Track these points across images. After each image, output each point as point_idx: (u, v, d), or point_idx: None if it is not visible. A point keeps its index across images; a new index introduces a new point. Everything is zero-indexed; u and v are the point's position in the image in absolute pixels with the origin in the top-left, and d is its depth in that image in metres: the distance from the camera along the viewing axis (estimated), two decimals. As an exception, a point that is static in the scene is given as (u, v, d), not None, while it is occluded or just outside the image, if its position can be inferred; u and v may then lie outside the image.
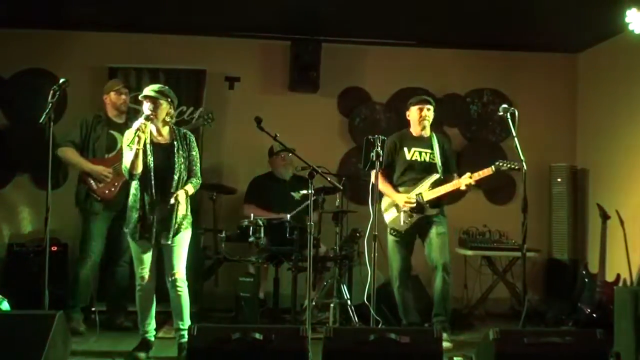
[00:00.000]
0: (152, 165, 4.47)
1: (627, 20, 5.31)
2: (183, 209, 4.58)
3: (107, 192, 5.37)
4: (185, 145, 4.64)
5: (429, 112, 5.39)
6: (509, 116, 4.71)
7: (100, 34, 6.62)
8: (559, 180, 6.93)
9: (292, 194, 5.59)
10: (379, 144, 4.69)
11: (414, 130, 5.45)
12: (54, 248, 5.86)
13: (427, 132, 5.42)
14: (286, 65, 6.84)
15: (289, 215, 5.54)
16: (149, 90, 4.53)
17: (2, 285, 5.68)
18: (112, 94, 5.54)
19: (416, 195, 5.24)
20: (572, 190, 6.91)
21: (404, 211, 5.23)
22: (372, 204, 4.71)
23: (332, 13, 6.20)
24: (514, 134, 4.65)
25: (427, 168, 5.33)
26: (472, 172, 5.16)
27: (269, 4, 6.00)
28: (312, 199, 4.65)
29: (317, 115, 6.92)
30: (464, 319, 6.01)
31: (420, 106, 5.39)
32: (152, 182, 4.47)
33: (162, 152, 4.54)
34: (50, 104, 4.41)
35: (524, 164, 4.65)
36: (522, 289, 4.72)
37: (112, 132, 5.49)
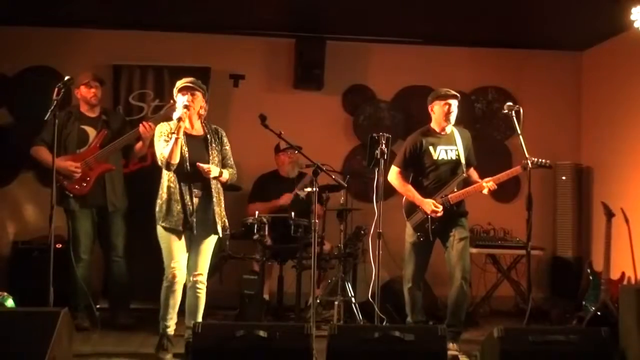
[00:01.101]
0: (187, 156, 4.46)
1: (632, 17, 5.28)
2: (222, 205, 4.63)
3: (77, 187, 5.32)
4: (217, 138, 4.67)
5: (453, 107, 5.12)
6: (513, 114, 4.71)
7: (104, 31, 6.62)
8: (563, 178, 6.92)
9: (297, 192, 5.59)
10: (384, 142, 4.69)
11: (437, 126, 5.18)
12: (59, 245, 5.84)
13: (449, 128, 5.20)
14: (291, 63, 6.84)
15: (293, 213, 5.54)
16: (185, 81, 4.55)
17: (7, 283, 5.70)
18: (82, 87, 5.47)
19: (442, 199, 5.06)
20: (577, 188, 6.90)
21: (431, 217, 5.06)
22: (377, 202, 4.70)
23: (337, 11, 6.19)
24: (519, 131, 4.65)
25: (452, 167, 5.14)
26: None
27: (273, 2, 6.00)
28: (316, 196, 4.65)
29: (322, 113, 6.91)
30: (468, 317, 6.00)
31: (446, 101, 5.11)
32: (189, 173, 4.46)
33: (197, 145, 4.55)
34: (55, 102, 4.41)
35: (529, 162, 4.65)
36: (527, 287, 4.72)
37: (83, 127, 5.45)
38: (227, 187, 6.02)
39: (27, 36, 6.58)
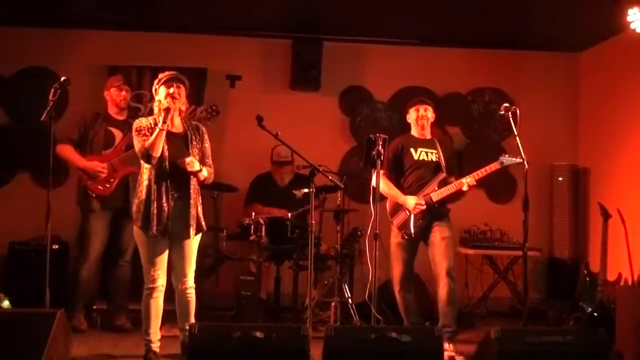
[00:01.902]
0: (166, 154, 4.30)
1: (628, 19, 5.29)
2: (199, 207, 4.45)
3: (101, 188, 5.31)
4: (198, 136, 4.50)
5: (427, 113, 5.32)
6: (510, 115, 4.71)
7: (100, 32, 6.62)
8: (560, 179, 6.93)
9: (294, 192, 5.58)
10: (380, 143, 4.69)
11: (415, 132, 5.38)
12: (55, 246, 5.84)
13: (428, 134, 5.36)
14: (287, 63, 6.83)
15: (290, 214, 5.54)
16: (169, 73, 4.40)
17: (3, 284, 5.68)
18: (113, 90, 5.50)
19: (424, 196, 5.13)
20: (574, 189, 6.91)
21: (414, 215, 5.13)
22: (374, 203, 4.70)
23: (334, 11, 6.19)
24: (516, 132, 4.65)
25: (434, 168, 5.23)
26: (474, 170, 5.13)
27: (270, 3, 6.00)
28: (313, 197, 4.65)
29: (319, 114, 6.91)
30: (465, 318, 6.00)
31: (416, 106, 5.35)
32: (167, 172, 4.31)
33: (177, 142, 4.39)
34: (51, 103, 4.41)
35: (525, 162, 4.66)
36: (524, 287, 4.72)
37: (110, 128, 5.45)
38: (223, 188, 6.06)
39: (24, 36, 6.57)
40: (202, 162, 4.48)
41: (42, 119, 4.36)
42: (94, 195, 5.32)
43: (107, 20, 6.44)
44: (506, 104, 4.79)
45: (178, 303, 4.53)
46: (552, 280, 6.93)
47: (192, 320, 4.53)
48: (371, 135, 4.77)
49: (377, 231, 4.63)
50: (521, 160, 4.72)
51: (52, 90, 4.44)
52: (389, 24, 6.54)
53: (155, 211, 4.29)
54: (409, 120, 5.42)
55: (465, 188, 5.07)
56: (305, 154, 4.86)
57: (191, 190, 4.41)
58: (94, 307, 5.69)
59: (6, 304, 4.63)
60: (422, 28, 6.65)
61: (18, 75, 6.63)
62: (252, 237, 5.48)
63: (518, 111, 4.71)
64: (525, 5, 5.82)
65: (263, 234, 5.45)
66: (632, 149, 6.19)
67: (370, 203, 4.76)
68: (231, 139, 6.72)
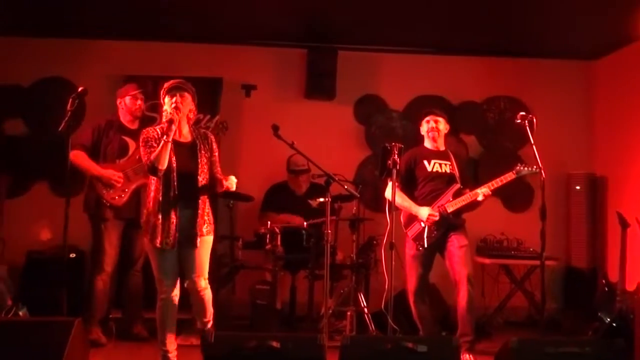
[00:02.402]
0: (174, 165, 4.26)
1: (644, 27, 5.28)
2: (207, 214, 4.41)
3: (116, 198, 5.25)
4: (207, 144, 4.45)
5: (438, 124, 5.27)
6: (526, 123, 4.69)
7: (118, 42, 6.68)
8: (577, 188, 6.88)
9: (309, 201, 5.59)
10: (396, 152, 4.69)
11: (428, 144, 5.33)
12: (72, 255, 5.88)
13: (441, 146, 5.32)
14: (302, 72, 6.85)
15: (305, 223, 5.54)
16: (172, 82, 4.39)
17: (21, 293, 5.72)
18: (128, 98, 5.44)
19: (438, 207, 5.10)
20: (591, 197, 6.86)
21: (428, 226, 5.08)
22: (389, 212, 4.69)
23: (348, 20, 6.21)
24: (532, 141, 4.63)
25: (447, 179, 5.20)
26: (489, 179, 5.10)
27: (285, 12, 6.02)
28: (329, 206, 4.65)
29: (334, 123, 6.92)
30: (482, 328, 5.97)
31: (427, 118, 5.31)
32: (175, 183, 4.27)
33: (185, 152, 4.34)
34: (69, 113, 4.44)
35: (542, 172, 4.63)
36: (541, 297, 4.68)
37: (124, 137, 5.40)
38: (238, 197, 6.07)
39: (42, 47, 6.65)
40: (213, 171, 4.46)
41: (60, 129, 4.40)
42: (108, 204, 5.26)
43: (123, 30, 6.50)
44: (522, 113, 4.77)
45: (194, 304, 4.50)
46: (569, 290, 6.87)
47: (209, 315, 4.49)
48: (387, 145, 4.78)
49: (393, 240, 4.62)
50: (537, 169, 4.70)
51: (70, 100, 4.46)
52: (403, 32, 6.55)
53: (162, 223, 4.27)
54: (422, 132, 5.39)
55: (480, 198, 5.04)
56: (320, 163, 4.86)
57: (199, 201, 4.38)
58: (110, 316, 5.69)
59: (24, 312, 4.66)
60: (437, 36, 6.65)
61: (36, 85, 6.70)
62: (268, 246, 5.49)
63: (535, 119, 4.69)
64: (541, 13, 5.80)
65: (279, 243, 5.45)
66: (649, 157, 6.14)
67: (385, 212, 4.75)
68: (246, 148, 6.74)
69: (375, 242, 5.72)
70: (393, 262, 4.59)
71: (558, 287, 6.88)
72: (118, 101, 5.50)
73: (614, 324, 5.36)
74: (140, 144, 4.36)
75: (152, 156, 4.19)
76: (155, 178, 4.31)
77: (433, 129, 5.28)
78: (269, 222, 5.57)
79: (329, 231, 4.63)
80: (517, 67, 7.11)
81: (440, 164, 5.23)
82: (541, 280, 4.61)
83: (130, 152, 5.39)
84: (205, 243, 4.43)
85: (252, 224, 6.12)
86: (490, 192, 5.05)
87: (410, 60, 7.03)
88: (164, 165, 4.19)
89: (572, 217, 6.92)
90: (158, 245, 4.27)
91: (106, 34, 6.58)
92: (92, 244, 5.39)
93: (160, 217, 4.27)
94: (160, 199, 4.28)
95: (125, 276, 5.53)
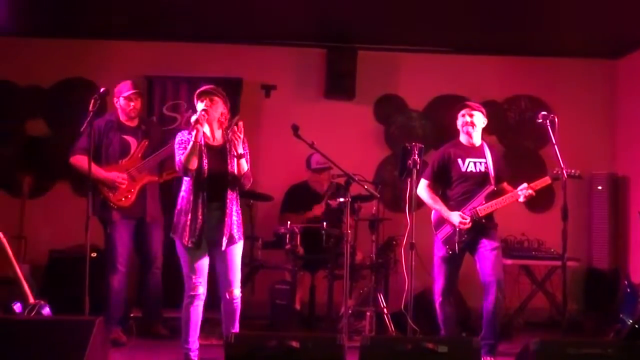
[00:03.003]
0: (205, 167, 4.36)
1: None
2: (234, 217, 4.48)
3: (123, 199, 5.26)
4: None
5: (473, 118, 5.04)
6: (548, 123, 4.65)
7: (138, 43, 6.73)
8: (599, 188, 6.82)
9: (329, 202, 5.59)
10: (416, 152, 4.67)
11: (463, 139, 5.13)
12: (94, 255, 5.91)
13: (477, 141, 5.11)
14: (322, 72, 6.86)
15: (324, 223, 5.54)
16: (205, 87, 4.49)
17: (43, 291, 5.76)
18: (123, 99, 5.38)
19: (471, 211, 4.95)
20: (613, 198, 6.79)
21: (459, 230, 4.95)
22: (409, 212, 4.67)
23: (367, 20, 6.20)
24: (554, 141, 4.59)
25: (481, 180, 5.01)
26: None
27: (304, 12, 6.03)
28: (349, 206, 4.64)
29: (353, 123, 6.91)
30: (502, 329, 5.92)
31: (462, 112, 5.10)
32: (206, 184, 4.35)
33: (216, 155, 4.44)
34: (91, 113, 4.48)
35: (563, 172, 4.59)
36: (563, 298, 4.64)
37: (124, 137, 5.37)
38: (258, 197, 6.09)
39: (63, 48, 6.71)
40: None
41: (81, 129, 4.44)
42: (115, 207, 5.25)
43: (144, 31, 6.54)
44: (544, 112, 4.72)
45: (224, 312, 4.55)
46: (590, 291, 6.81)
47: (237, 329, 4.55)
48: (407, 145, 4.76)
49: (413, 241, 4.60)
50: (579, 175, 4.65)
51: (92, 100, 4.50)
52: (422, 32, 6.54)
53: (190, 222, 4.36)
54: (457, 126, 5.16)
55: (522, 199, 4.93)
56: (340, 162, 4.84)
57: (227, 200, 4.44)
58: (131, 314, 5.72)
59: (47, 311, 4.70)
60: (456, 36, 6.63)
61: (58, 86, 6.77)
62: (287, 246, 5.50)
63: (556, 119, 4.65)
64: (562, 11, 5.76)
65: (298, 242, 5.46)
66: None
67: (405, 212, 4.73)
68: (266, 148, 6.75)
69: (394, 242, 5.70)
70: (413, 263, 4.58)
71: (579, 288, 6.82)
72: (114, 100, 5.44)
73: (637, 326, 5.30)
74: (175, 147, 4.45)
75: (183, 157, 4.31)
76: (187, 178, 4.41)
77: (467, 124, 5.05)
78: (288, 222, 5.58)
79: (349, 231, 4.62)
80: (538, 66, 7.06)
81: (475, 163, 5.03)
82: (562, 281, 4.57)
83: (132, 151, 5.37)
84: (238, 249, 4.53)
85: (272, 223, 6.14)
86: (533, 193, 4.91)
87: (429, 60, 7.01)
88: (193, 165, 4.31)
89: (593, 218, 6.86)
90: (186, 243, 4.37)
91: (127, 34, 6.63)
92: (105, 245, 5.42)
93: (190, 216, 4.36)
94: (191, 198, 4.37)
95: (144, 275, 5.55)
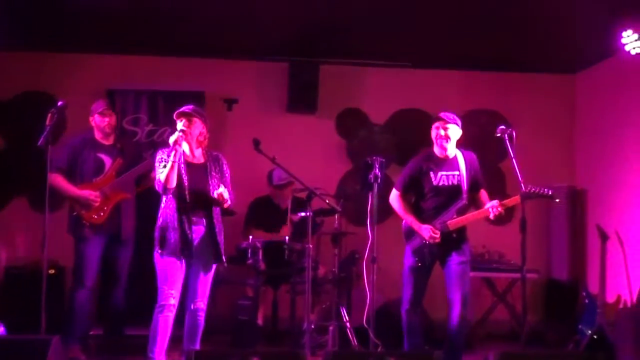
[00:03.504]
0: (186, 184, 4.46)
1: (622, 41, 5.34)
2: (221, 235, 4.61)
3: (95, 217, 5.22)
4: (217, 166, 4.66)
5: (447, 132, 4.97)
6: (506, 137, 4.70)
7: (98, 56, 6.65)
8: (557, 200, 6.89)
9: (291, 216, 5.58)
10: (377, 166, 4.68)
11: (436, 150, 5.05)
12: (52, 271, 5.82)
13: (451, 153, 5.04)
14: (284, 86, 6.86)
15: (287, 237, 5.52)
16: (184, 108, 4.56)
17: (-2, 309, 5.65)
18: (97, 116, 5.37)
19: (441, 224, 4.91)
20: (571, 210, 6.90)
21: (429, 244, 4.92)
22: (371, 226, 4.68)
23: (329, 34, 6.22)
24: (512, 155, 4.64)
25: (453, 193, 4.96)
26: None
27: (266, 26, 6.03)
28: (310, 221, 4.64)
29: (315, 136, 6.93)
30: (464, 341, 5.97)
31: (436, 124, 5.01)
32: (187, 200, 4.45)
33: (196, 173, 4.54)
34: (48, 127, 4.41)
35: (531, 191, 4.61)
36: (523, 310, 4.68)
37: (99, 155, 5.35)
38: (220, 212, 6.03)
39: (22, 61, 6.60)
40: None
41: (39, 143, 4.36)
42: (87, 224, 5.23)
43: (105, 44, 6.47)
44: (502, 126, 4.76)
45: (187, 324, 4.58)
46: (550, 302, 6.90)
47: (198, 344, 4.58)
48: (368, 159, 4.77)
49: (375, 255, 4.61)
50: (547, 192, 4.67)
51: (49, 115, 4.44)
52: (384, 46, 6.58)
53: (177, 237, 4.44)
54: (432, 138, 5.06)
55: (491, 217, 4.87)
56: (301, 177, 4.86)
57: (211, 217, 4.59)
58: (90, 333, 5.62)
59: (1, 329, 4.60)
60: (418, 50, 6.69)
61: (16, 99, 6.65)
62: (250, 261, 5.46)
63: (514, 133, 4.71)
64: (520, 27, 5.86)
65: (260, 257, 5.43)
66: (629, 170, 6.19)
67: (367, 226, 4.74)
68: (229, 162, 6.69)
69: (357, 256, 5.70)
70: (375, 276, 4.59)
71: (539, 299, 6.90)
72: (90, 119, 5.44)
73: (595, 337, 5.39)
74: (155, 165, 4.53)
75: (162, 177, 4.39)
76: (166, 196, 4.50)
77: (441, 137, 4.97)
78: (250, 237, 5.55)
79: (310, 245, 4.61)
80: (497, 80, 7.17)
81: (447, 176, 4.97)
82: (522, 293, 4.61)
83: (106, 170, 5.35)
84: (213, 269, 4.64)
85: (234, 238, 6.08)
86: (502, 211, 4.85)
87: (391, 74, 7.07)
88: (172, 184, 4.40)
89: (552, 230, 6.96)
90: (164, 254, 4.46)
91: (87, 47, 6.55)
92: (74, 261, 5.34)
93: (170, 230, 4.45)
94: (172, 214, 4.46)
95: (108, 292, 5.47)
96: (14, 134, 6.60)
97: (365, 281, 4.78)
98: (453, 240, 4.95)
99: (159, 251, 4.48)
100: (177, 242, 4.43)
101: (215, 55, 6.78)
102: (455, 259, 4.93)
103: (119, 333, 5.54)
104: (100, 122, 5.38)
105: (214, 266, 4.64)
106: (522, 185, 4.59)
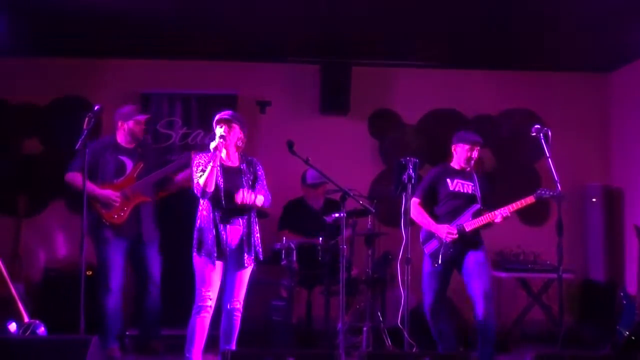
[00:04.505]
0: (221, 186, 4.56)
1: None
2: (256, 235, 4.71)
3: (115, 217, 5.32)
4: (251, 169, 4.76)
5: (474, 154, 5.16)
6: (542, 136, 4.67)
7: (133, 60, 6.74)
8: (593, 200, 6.84)
9: (325, 217, 5.59)
10: (411, 167, 4.68)
11: (456, 164, 5.24)
12: (89, 273, 5.89)
13: (469, 167, 5.22)
14: (316, 88, 6.88)
15: (321, 239, 5.53)
16: (223, 114, 4.65)
17: (38, 310, 5.74)
18: (132, 122, 5.48)
19: (457, 226, 5.03)
20: (607, 210, 6.81)
21: (445, 243, 5.04)
22: (405, 227, 4.68)
23: (361, 36, 6.23)
24: (548, 154, 4.60)
25: (468, 199, 5.11)
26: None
27: (298, 29, 6.06)
28: (344, 222, 4.65)
29: (348, 138, 6.93)
30: (499, 343, 5.91)
31: (472, 147, 5.16)
32: (223, 202, 4.55)
33: (232, 176, 4.64)
34: (85, 131, 4.48)
35: (559, 190, 4.58)
36: (559, 311, 4.64)
37: (121, 157, 5.45)
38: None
39: (58, 67, 6.71)
40: (254, 186, 4.74)
41: (76, 146, 4.44)
42: (107, 223, 5.31)
43: (138, 49, 6.56)
44: (538, 125, 4.75)
45: (223, 324, 4.67)
46: (586, 303, 6.81)
47: (234, 344, 4.64)
48: (402, 160, 4.77)
49: (409, 255, 4.60)
50: (558, 194, 4.65)
51: (86, 119, 4.51)
52: (416, 47, 6.56)
53: (213, 238, 4.53)
54: (454, 152, 5.24)
55: (498, 220, 4.96)
56: (334, 178, 4.86)
57: (250, 220, 4.68)
58: (127, 333, 5.69)
59: (41, 330, 4.68)
60: (451, 50, 6.67)
61: (52, 104, 6.76)
62: (284, 262, 5.49)
63: (550, 132, 4.67)
64: (555, 26, 5.80)
65: (294, 258, 5.45)
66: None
67: (401, 227, 4.74)
68: (262, 164, 6.75)
69: (390, 257, 5.70)
70: (409, 277, 4.58)
71: (574, 299, 6.81)
72: (119, 122, 5.52)
73: (633, 337, 5.31)
74: (193, 169, 4.63)
75: (202, 180, 4.50)
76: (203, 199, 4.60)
77: (472, 159, 5.17)
78: (284, 238, 5.57)
79: (345, 246, 4.62)
80: (531, 80, 7.10)
81: (462, 184, 5.15)
82: (559, 293, 4.57)
83: (128, 172, 5.44)
84: (249, 271, 4.73)
85: (268, 240, 6.12)
86: (509, 214, 4.96)
87: (424, 75, 7.04)
88: (211, 188, 4.51)
89: (588, 230, 6.87)
90: (202, 255, 4.55)
91: (121, 52, 6.64)
92: (98, 265, 5.44)
93: (205, 232, 4.56)
94: (208, 216, 4.58)
95: (142, 293, 5.55)
96: (52, 138, 6.72)
97: (400, 282, 4.78)
98: (469, 242, 5.03)
99: (197, 253, 4.57)
100: (213, 244, 4.52)
101: (248, 58, 6.83)
102: (473, 260, 5.02)
103: (156, 333, 5.60)
104: (135, 128, 5.50)
105: (251, 267, 4.70)
106: (558, 185, 4.55)
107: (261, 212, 6.08)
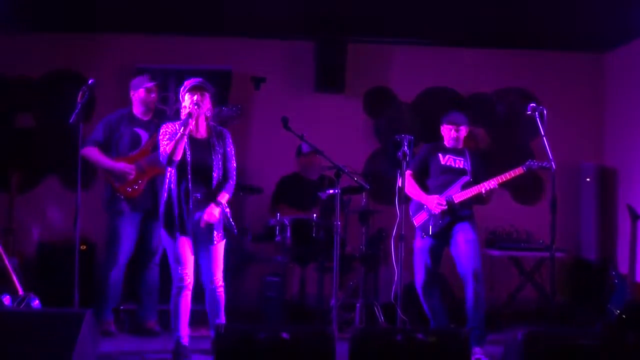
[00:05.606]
0: (189, 159, 4.42)
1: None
2: (224, 210, 4.56)
3: (129, 189, 5.27)
4: (221, 141, 4.59)
5: (459, 134, 5.23)
6: (537, 115, 4.67)
7: (127, 35, 6.69)
8: (587, 179, 6.86)
9: (319, 194, 5.59)
10: (406, 144, 4.68)
11: (447, 142, 5.31)
12: (83, 247, 5.90)
13: (459, 145, 5.28)
14: (311, 65, 6.83)
15: (315, 215, 5.54)
16: (194, 81, 4.51)
17: (33, 284, 5.74)
18: (142, 90, 5.39)
19: (447, 197, 5.07)
20: (601, 189, 6.83)
21: (434, 214, 5.07)
22: (399, 204, 4.69)
23: (357, 13, 6.19)
24: (543, 133, 4.61)
25: (458, 172, 5.17)
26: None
27: (294, 5, 6.02)
28: (339, 198, 4.65)
29: (343, 116, 6.91)
30: (491, 320, 5.96)
31: (455, 127, 5.24)
32: (190, 176, 4.42)
33: (199, 148, 4.49)
34: (79, 105, 4.46)
35: (552, 163, 4.61)
36: (551, 289, 4.67)
37: (136, 129, 5.39)
38: (248, 189, 6.08)
39: (52, 41, 6.66)
40: (225, 166, 4.58)
41: (70, 121, 4.42)
42: (122, 197, 5.29)
43: (133, 23, 6.50)
44: (533, 104, 4.75)
45: (208, 302, 4.63)
46: (578, 282, 6.85)
47: (222, 318, 4.61)
48: (397, 137, 4.77)
49: (403, 232, 4.62)
50: (548, 164, 4.67)
51: (80, 92, 4.48)
52: (413, 24, 6.53)
53: (177, 213, 4.42)
54: (442, 132, 5.32)
55: (484, 190, 4.98)
56: (329, 155, 4.86)
57: (214, 192, 4.50)
58: (122, 308, 5.70)
59: (36, 303, 4.69)
60: (447, 28, 6.63)
61: (46, 78, 6.72)
62: (278, 239, 5.50)
63: (545, 111, 4.67)
64: (550, 5, 5.77)
65: (288, 235, 5.46)
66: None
67: (395, 204, 4.75)
68: (256, 141, 6.76)
69: (384, 234, 5.72)
70: (402, 254, 4.60)
71: (567, 278, 6.86)
72: (131, 93, 5.46)
73: (624, 316, 5.36)
74: (160, 138, 4.48)
75: (168, 148, 4.36)
76: (171, 170, 4.46)
77: (454, 138, 5.25)
78: (278, 214, 5.58)
79: (339, 223, 4.63)
80: (527, 59, 7.08)
81: (454, 159, 5.21)
82: (551, 272, 4.59)
83: (143, 144, 5.37)
84: (221, 247, 4.59)
85: (262, 216, 6.13)
86: (496, 186, 4.98)
87: (419, 52, 7.02)
88: (178, 156, 4.37)
89: (582, 209, 6.90)
90: (172, 232, 4.45)
91: (116, 27, 6.59)
92: (108, 237, 5.39)
93: (174, 207, 4.43)
94: (175, 189, 4.44)
95: (142, 269, 5.51)
96: (45, 112, 6.68)
97: (393, 259, 4.80)
98: (459, 217, 5.07)
99: (165, 229, 4.47)
100: (180, 220, 4.42)
101: (243, 34, 6.78)
102: (462, 238, 5.04)
103: (153, 308, 5.59)
104: (146, 98, 5.40)
105: (223, 243, 4.58)
106: (553, 163, 4.56)
107: (254, 188, 6.11)
